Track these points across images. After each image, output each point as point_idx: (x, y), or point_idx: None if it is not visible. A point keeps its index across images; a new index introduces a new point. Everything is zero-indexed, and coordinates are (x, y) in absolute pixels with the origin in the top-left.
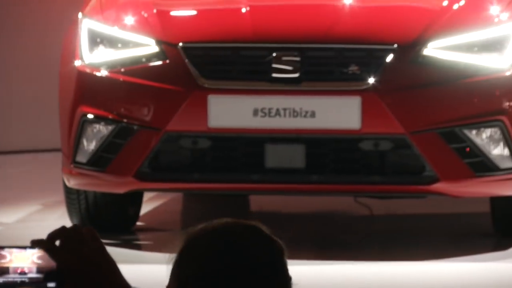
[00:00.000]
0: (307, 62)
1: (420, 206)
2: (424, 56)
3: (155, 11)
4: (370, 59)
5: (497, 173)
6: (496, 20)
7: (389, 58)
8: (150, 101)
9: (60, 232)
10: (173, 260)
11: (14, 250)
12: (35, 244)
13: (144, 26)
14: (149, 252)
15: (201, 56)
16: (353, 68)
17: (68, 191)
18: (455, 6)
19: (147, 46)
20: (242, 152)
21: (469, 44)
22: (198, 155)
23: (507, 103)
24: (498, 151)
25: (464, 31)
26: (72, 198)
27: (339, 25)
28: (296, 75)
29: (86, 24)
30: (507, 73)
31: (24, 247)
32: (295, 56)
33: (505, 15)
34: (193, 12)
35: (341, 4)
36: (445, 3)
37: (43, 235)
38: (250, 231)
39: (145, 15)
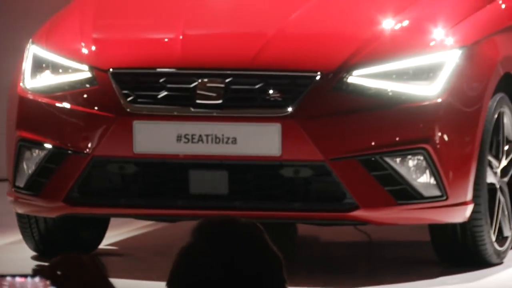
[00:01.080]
0: (230, 89)
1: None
2: (348, 84)
3: (93, 37)
4: (293, 86)
5: (421, 201)
6: (427, 48)
7: (312, 85)
8: (80, 126)
9: (62, 260)
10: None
11: (17, 278)
12: (37, 272)
13: (80, 53)
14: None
15: (129, 81)
16: (276, 95)
17: (19, 215)
18: (386, 34)
19: (82, 72)
20: (167, 178)
21: (396, 72)
22: (125, 181)
23: (432, 132)
24: (422, 179)
25: (392, 59)
26: (23, 222)
27: (264, 52)
28: (219, 101)
29: (32, 50)
30: (433, 102)
31: (26, 276)
32: (219, 82)
33: (437, 44)
34: (127, 39)
35: (269, 32)
36: (375, 31)
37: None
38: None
39: (84, 42)
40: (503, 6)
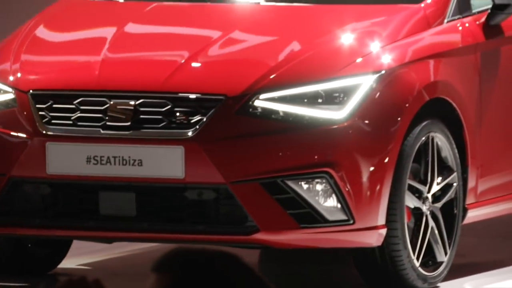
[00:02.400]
0: (139, 111)
1: None
2: (253, 107)
3: (21, 60)
4: (198, 109)
5: (326, 225)
6: (339, 73)
7: (216, 108)
8: (0, 147)
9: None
10: None
11: None
12: None
13: (7, 75)
14: None
15: (46, 103)
16: (182, 118)
17: None
18: (299, 58)
19: (6, 94)
20: (78, 199)
21: (305, 95)
22: (39, 201)
23: (337, 156)
24: (326, 203)
25: (301, 83)
26: None
27: (174, 76)
28: (128, 123)
29: None
30: (340, 126)
31: None
32: (129, 105)
33: (351, 69)
34: (49, 62)
35: (183, 58)
36: (288, 55)
37: None
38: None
39: (12, 65)
40: (435, 33)
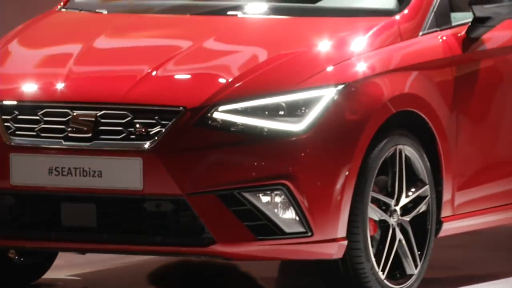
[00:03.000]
0: (100, 123)
1: None
2: (212, 119)
3: None
4: (157, 121)
5: (283, 237)
6: (301, 85)
7: (175, 120)
8: None
9: None
10: None
11: None
12: None
13: None
14: None
15: (11, 114)
16: (140, 129)
17: None
18: (261, 70)
19: None
20: (41, 210)
21: (265, 107)
22: (5, 212)
23: (294, 168)
24: (283, 215)
25: (262, 95)
26: None
27: (136, 88)
28: (89, 135)
29: None
30: (298, 138)
31: None
32: (90, 116)
33: (312, 81)
34: (18, 74)
35: (145, 69)
36: (250, 67)
37: None
38: None
39: None
40: (407, 46)
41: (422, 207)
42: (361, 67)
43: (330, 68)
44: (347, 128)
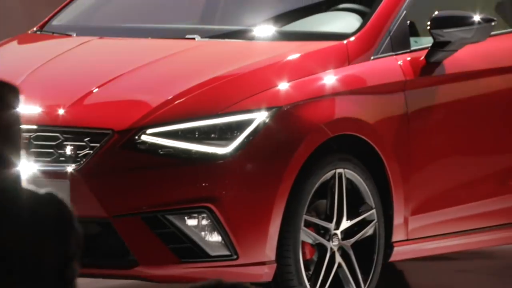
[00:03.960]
0: (33, 144)
1: None
2: (139, 142)
3: None
4: (86, 143)
5: (208, 259)
6: (231, 108)
7: (103, 143)
8: None
9: None
10: None
11: None
12: None
13: None
14: None
15: None
16: (70, 151)
17: None
18: (191, 93)
19: None
20: None
21: (194, 130)
22: None
23: (219, 191)
24: (208, 238)
25: (188, 119)
26: None
27: (67, 110)
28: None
29: None
30: (224, 161)
31: None
32: (24, 138)
33: (240, 105)
34: None
35: (80, 91)
36: (181, 90)
37: None
38: None
39: None
40: (352, 70)
41: (369, 231)
42: (296, 91)
43: (263, 92)
44: (277, 151)
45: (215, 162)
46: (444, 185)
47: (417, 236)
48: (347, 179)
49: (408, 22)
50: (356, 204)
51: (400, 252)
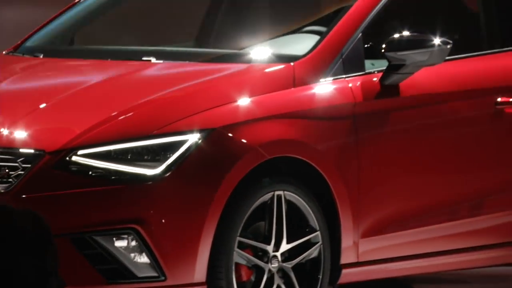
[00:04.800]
0: None
1: None
2: (70, 163)
3: None
4: (19, 164)
5: (135, 281)
6: (160, 130)
7: (34, 163)
8: None
9: None
10: None
11: None
12: None
13: None
14: None
15: None
16: (3, 171)
17: None
18: (125, 114)
19: None
20: None
21: (123, 152)
22: None
23: (145, 212)
24: (135, 259)
25: (121, 140)
26: None
27: (3, 130)
28: None
29: None
30: (151, 183)
31: None
32: None
33: (173, 126)
34: None
35: (22, 112)
36: (116, 111)
37: None
38: None
39: None
40: (297, 92)
41: (313, 253)
42: (233, 113)
43: (199, 113)
44: (209, 173)
45: (143, 183)
46: (397, 209)
47: (369, 259)
48: (289, 201)
49: (369, 44)
50: (301, 226)
51: (349, 275)
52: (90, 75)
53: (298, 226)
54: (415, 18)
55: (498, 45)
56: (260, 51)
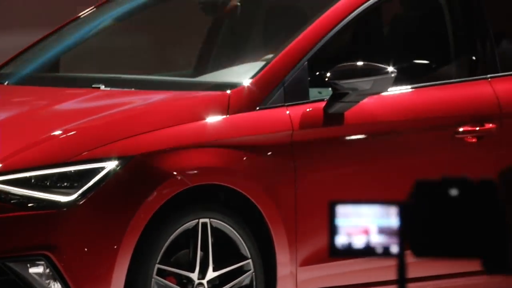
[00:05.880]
0: None
1: None
2: None
3: None
4: None
5: None
6: (78, 157)
7: None
8: None
9: None
10: None
11: None
12: None
13: None
14: None
15: None
16: None
17: None
18: (42, 142)
19: None
20: None
21: (40, 178)
22: None
23: (57, 239)
24: (50, 285)
25: (38, 167)
26: None
27: None
28: None
29: None
30: (65, 210)
31: None
32: None
33: (91, 153)
34: None
35: None
36: (37, 138)
37: None
38: None
39: None
40: (228, 120)
41: (245, 281)
42: (156, 140)
43: (120, 140)
44: (125, 200)
45: (56, 210)
46: None
47: (310, 287)
48: (217, 229)
49: (319, 72)
50: (233, 253)
51: None
52: (31, 103)
53: (230, 253)
54: (368, 47)
55: (461, 74)
56: (202, 79)
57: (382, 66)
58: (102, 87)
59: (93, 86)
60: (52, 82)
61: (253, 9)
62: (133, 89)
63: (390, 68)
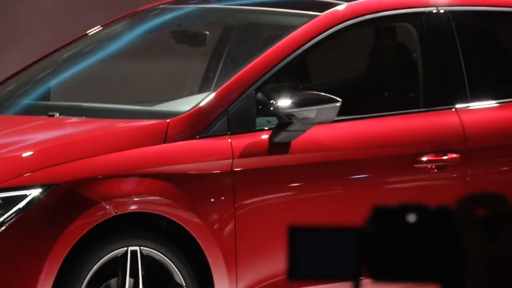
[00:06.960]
0: None
1: None
2: None
3: None
4: None
5: None
6: (2, 184)
7: None
8: None
9: None
10: None
11: None
12: None
13: None
14: None
15: None
16: None
17: None
18: None
19: None
20: None
21: None
22: None
23: None
24: None
25: None
26: None
27: None
28: None
29: None
30: None
31: None
32: None
33: (15, 181)
34: None
35: None
36: None
37: None
38: None
39: None
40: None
41: None
42: (84, 168)
43: (47, 168)
44: (47, 228)
45: None
46: (284, 268)
47: None
48: (148, 257)
49: (273, 101)
50: (167, 281)
51: None
52: None
53: (163, 281)
54: (320, 76)
55: (420, 104)
56: (148, 108)
57: (328, 95)
58: (57, 115)
59: (48, 114)
60: (12, 109)
61: (250, 39)
62: (83, 117)
63: (335, 98)
